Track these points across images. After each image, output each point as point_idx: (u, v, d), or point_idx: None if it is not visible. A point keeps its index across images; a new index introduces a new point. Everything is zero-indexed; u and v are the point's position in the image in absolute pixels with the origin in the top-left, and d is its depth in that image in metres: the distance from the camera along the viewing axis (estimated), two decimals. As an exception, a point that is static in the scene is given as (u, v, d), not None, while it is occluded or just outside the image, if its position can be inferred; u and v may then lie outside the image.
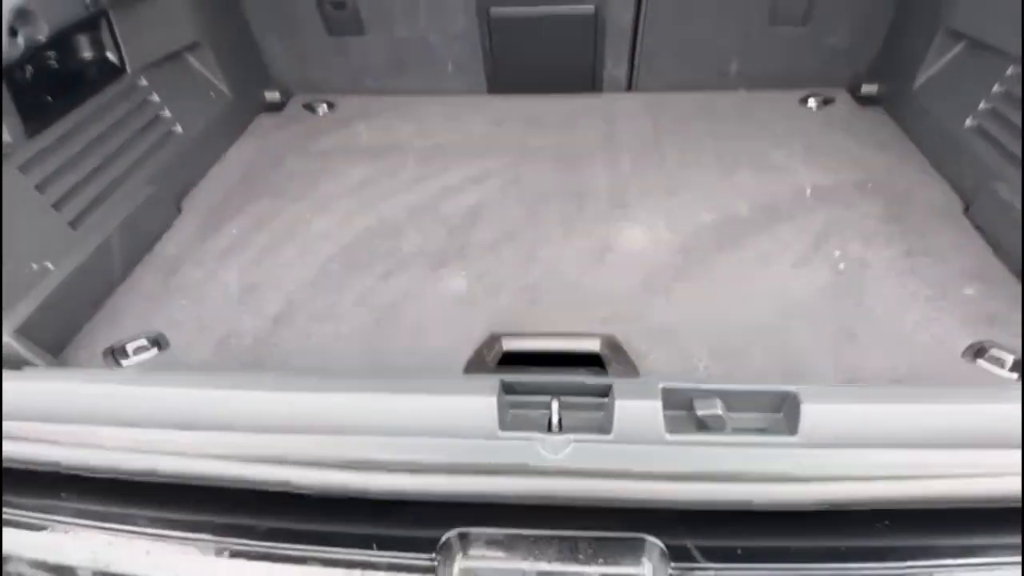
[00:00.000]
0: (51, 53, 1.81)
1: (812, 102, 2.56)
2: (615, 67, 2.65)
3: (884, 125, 2.39)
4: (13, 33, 1.49)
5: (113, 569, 1.14)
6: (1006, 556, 1.06)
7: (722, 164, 2.19)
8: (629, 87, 2.70)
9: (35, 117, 1.70)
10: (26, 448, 1.20)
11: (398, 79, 2.74)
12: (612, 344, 1.53)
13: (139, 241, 1.90)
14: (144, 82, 2.14)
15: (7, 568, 1.19)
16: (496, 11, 2.52)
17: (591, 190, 2.11)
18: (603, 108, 2.59)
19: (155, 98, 2.17)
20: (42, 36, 1.59)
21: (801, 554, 1.08)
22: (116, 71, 2.03)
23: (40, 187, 1.69)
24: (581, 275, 1.78)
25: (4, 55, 1.49)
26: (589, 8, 2.49)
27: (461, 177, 2.19)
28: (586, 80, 2.68)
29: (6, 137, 1.59)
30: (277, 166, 2.33)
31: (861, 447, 1.10)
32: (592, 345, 1.54)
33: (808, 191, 2.03)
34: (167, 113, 2.20)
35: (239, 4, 2.59)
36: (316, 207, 2.10)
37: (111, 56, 2.02)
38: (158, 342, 1.62)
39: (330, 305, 1.72)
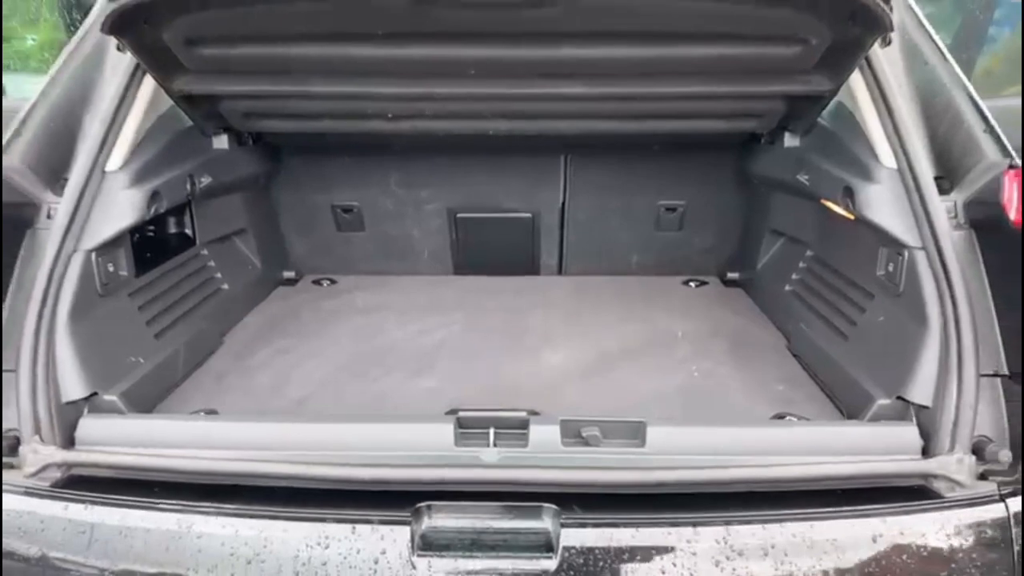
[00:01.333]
0: (153, 225, 2.64)
1: (692, 284, 3.49)
2: (548, 257, 3.61)
3: (741, 298, 3.30)
4: (149, 206, 2.32)
5: (196, 528, 1.72)
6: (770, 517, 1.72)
7: (623, 319, 3.03)
8: (559, 271, 3.64)
9: (140, 264, 2.48)
10: (127, 459, 1.84)
11: (386, 263, 3.63)
12: (534, 414, 2.23)
13: (195, 357, 2.60)
14: (205, 252, 2.97)
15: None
16: (461, 215, 3.50)
17: (529, 331, 2.92)
18: (540, 284, 3.50)
19: (211, 264, 2.99)
20: (162, 210, 2.43)
21: (642, 515, 1.73)
22: (189, 242, 2.87)
23: (140, 309, 2.43)
24: (517, 378, 2.52)
25: (140, 219, 2.30)
26: (528, 215, 3.49)
27: (432, 324, 2.99)
28: (527, 266, 3.62)
29: (127, 272, 2.36)
30: (294, 317, 3.10)
31: (685, 454, 1.81)
32: (521, 415, 2.23)
33: (680, 334, 2.86)
34: (218, 275, 3.01)
35: (274, 207, 3.53)
36: (325, 342, 2.84)
37: (188, 232, 2.87)
38: (214, 414, 2.27)
39: (338, 395, 2.41)
